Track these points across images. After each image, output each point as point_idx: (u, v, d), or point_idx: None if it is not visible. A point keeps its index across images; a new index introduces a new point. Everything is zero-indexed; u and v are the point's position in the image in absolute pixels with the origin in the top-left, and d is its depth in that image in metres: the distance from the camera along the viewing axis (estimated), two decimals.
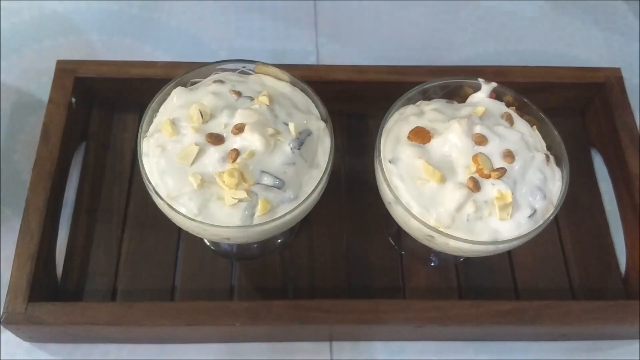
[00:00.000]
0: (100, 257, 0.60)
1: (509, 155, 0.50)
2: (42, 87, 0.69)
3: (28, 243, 0.55)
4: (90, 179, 0.63)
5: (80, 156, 0.65)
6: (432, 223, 0.49)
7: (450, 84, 0.56)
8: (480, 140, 0.50)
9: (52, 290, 0.57)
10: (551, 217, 0.50)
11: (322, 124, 0.52)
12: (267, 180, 0.48)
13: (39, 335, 0.55)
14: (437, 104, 0.55)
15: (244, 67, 0.55)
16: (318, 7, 0.79)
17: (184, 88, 0.52)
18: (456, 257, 0.61)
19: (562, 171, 0.52)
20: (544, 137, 0.54)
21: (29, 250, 0.54)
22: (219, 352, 0.57)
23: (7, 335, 0.56)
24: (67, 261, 0.60)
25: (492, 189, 0.49)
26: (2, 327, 0.53)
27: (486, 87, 0.55)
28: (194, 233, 0.49)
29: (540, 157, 0.51)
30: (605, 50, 0.78)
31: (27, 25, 0.75)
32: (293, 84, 0.54)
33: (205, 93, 0.51)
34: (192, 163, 0.48)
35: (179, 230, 0.61)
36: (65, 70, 0.63)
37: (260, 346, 0.57)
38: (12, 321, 0.52)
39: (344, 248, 0.61)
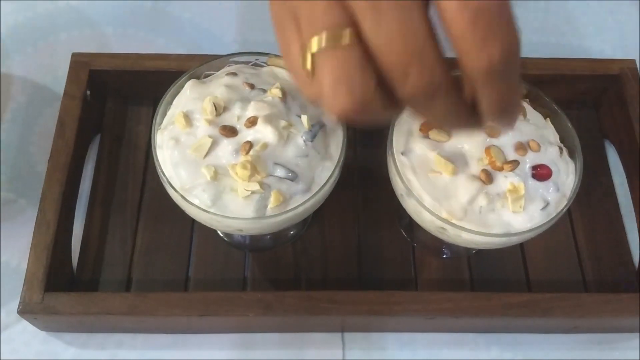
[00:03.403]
0: (115, 248, 0.60)
1: (522, 148, 0.50)
2: (57, 80, 0.69)
3: (44, 234, 0.55)
4: (105, 171, 0.64)
5: (95, 148, 0.65)
6: (444, 215, 0.49)
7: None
8: (493, 132, 0.50)
9: (67, 281, 0.58)
10: (564, 210, 0.49)
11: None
12: (279, 172, 0.48)
13: (55, 324, 0.56)
14: None
15: (257, 59, 0.55)
16: None
17: (197, 81, 0.53)
18: (468, 249, 0.61)
19: (575, 164, 0.52)
20: (557, 130, 0.54)
21: (45, 241, 0.55)
22: (232, 342, 0.58)
23: (24, 325, 0.57)
24: (83, 252, 0.60)
25: (504, 181, 0.49)
26: (19, 316, 0.54)
27: None
28: (207, 224, 0.50)
29: (553, 149, 0.51)
30: (619, 42, 0.77)
31: (42, 18, 0.75)
32: None
33: (219, 85, 0.51)
34: (206, 155, 0.48)
35: (193, 222, 0.61)
36: (80, 63, 0.64)
37: (272, 337, 0.58)
38: (28, 311, 0.53)
39: (356, 240, 0.62)
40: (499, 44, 0.30)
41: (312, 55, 0.33)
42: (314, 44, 0.32)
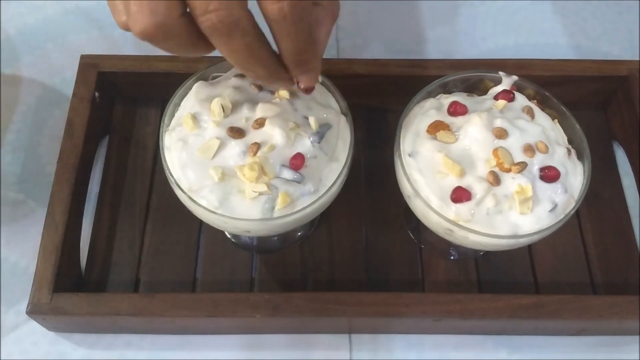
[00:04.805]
0: (123, 249, 0.61)
1: (530, 149, 0.50)
2: (66, 82, 0.70)
3: (53, 235, 0.56)
4: (113, 172, 0.64)
5: (103, 150, 0.66)
6: (451, 217, 0.49)
7: (470, 77, 0.56)
8: (501, 134, 0.50)
9: (76, 281, 0.58)
10: (572, 212, 0.49)
11: (342, 118, 0.52)
12: (287, 173, 0.48)
13: (64, 325, 0.57)
14: (457, 97, 0.55)
15: None
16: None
17: (205, 82, 0.53)
18: (476, 251, 0.61)
19: (583, 165, 0.52)
20: (565, 131, 0.53)
21: (53, 242, 0.55)
22: (239, 343, 0.58)
23: (33, 325, 0.57)
24: (91, 253, 0.61)
25: (512, 182, 0.49)
26: (28, 317, 0.54)
27: (507, 81, 0.55)
28: (215, 226, 0.50)
29: (561, 150, 0.51)
30: (628, 43, 0.77)
31: (51, 20, 0.76)
32: None
33: (227, 87, 0.51)
34: (213, 156, 0.48)
35: (200, 223, 0.61)
36: (88, 64, 0.64)
37: (279, 338, 0.58)
38: (37, 311, 0.53)
39: (363, 241, 0.62)
40: None
41: None
42: None
